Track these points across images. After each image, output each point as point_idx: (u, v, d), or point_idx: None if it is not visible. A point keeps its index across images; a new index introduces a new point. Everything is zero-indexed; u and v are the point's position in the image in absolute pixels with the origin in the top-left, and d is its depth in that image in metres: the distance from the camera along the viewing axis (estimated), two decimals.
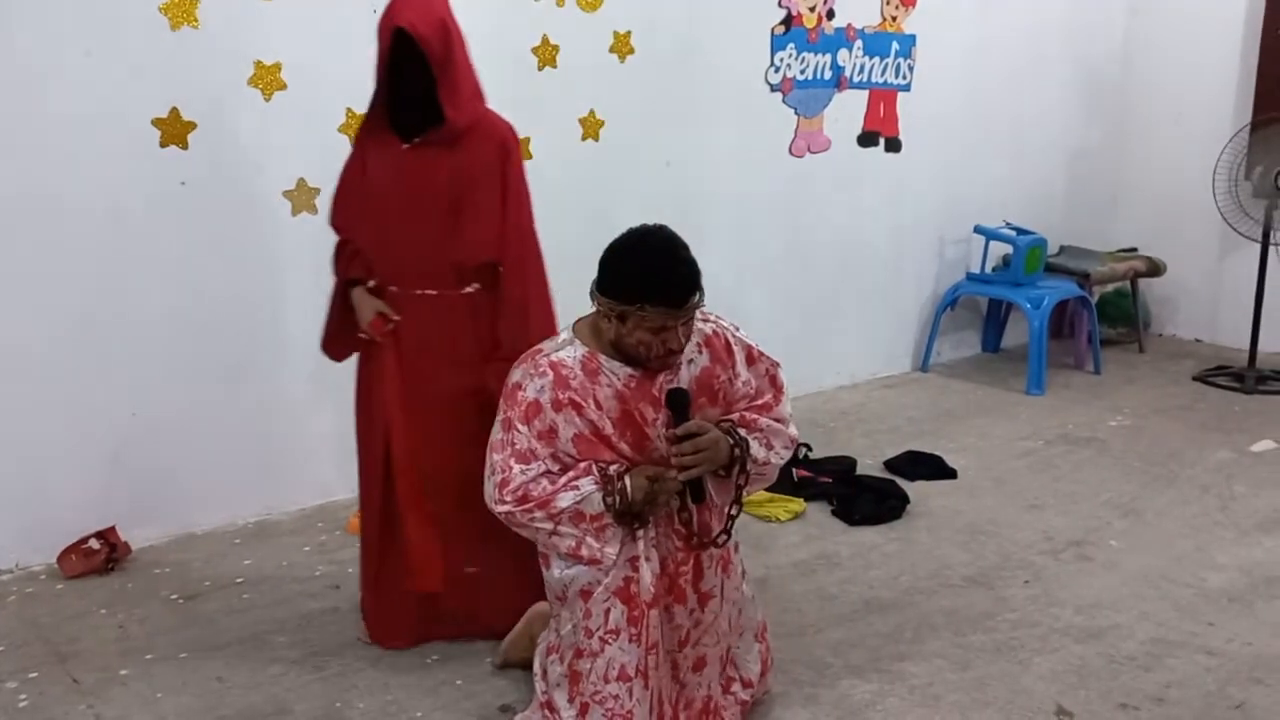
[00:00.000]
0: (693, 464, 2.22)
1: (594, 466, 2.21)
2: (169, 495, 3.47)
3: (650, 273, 2.14)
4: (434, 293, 2.67)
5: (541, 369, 2.24)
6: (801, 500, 3.81)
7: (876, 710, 2.59)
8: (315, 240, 3.59)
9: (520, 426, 2.20)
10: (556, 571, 2.29)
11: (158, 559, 3.35)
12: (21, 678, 2.67)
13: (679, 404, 2.22)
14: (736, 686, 2.48)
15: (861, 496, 3.82)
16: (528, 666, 2.58)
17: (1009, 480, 4.14)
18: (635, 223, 4.76)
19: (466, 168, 2.62)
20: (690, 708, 2.39)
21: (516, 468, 2.19)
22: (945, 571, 3.35)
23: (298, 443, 3.73)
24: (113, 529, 3.30)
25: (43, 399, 3.20)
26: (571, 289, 4.50)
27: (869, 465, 4.21)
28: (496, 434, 2.24)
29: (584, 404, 2.22)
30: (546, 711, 2.36)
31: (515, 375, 2.27)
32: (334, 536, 3.54)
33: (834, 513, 3.78)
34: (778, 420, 2.38)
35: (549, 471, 2.21)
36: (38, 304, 3.16)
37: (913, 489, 3.94)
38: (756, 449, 2.31)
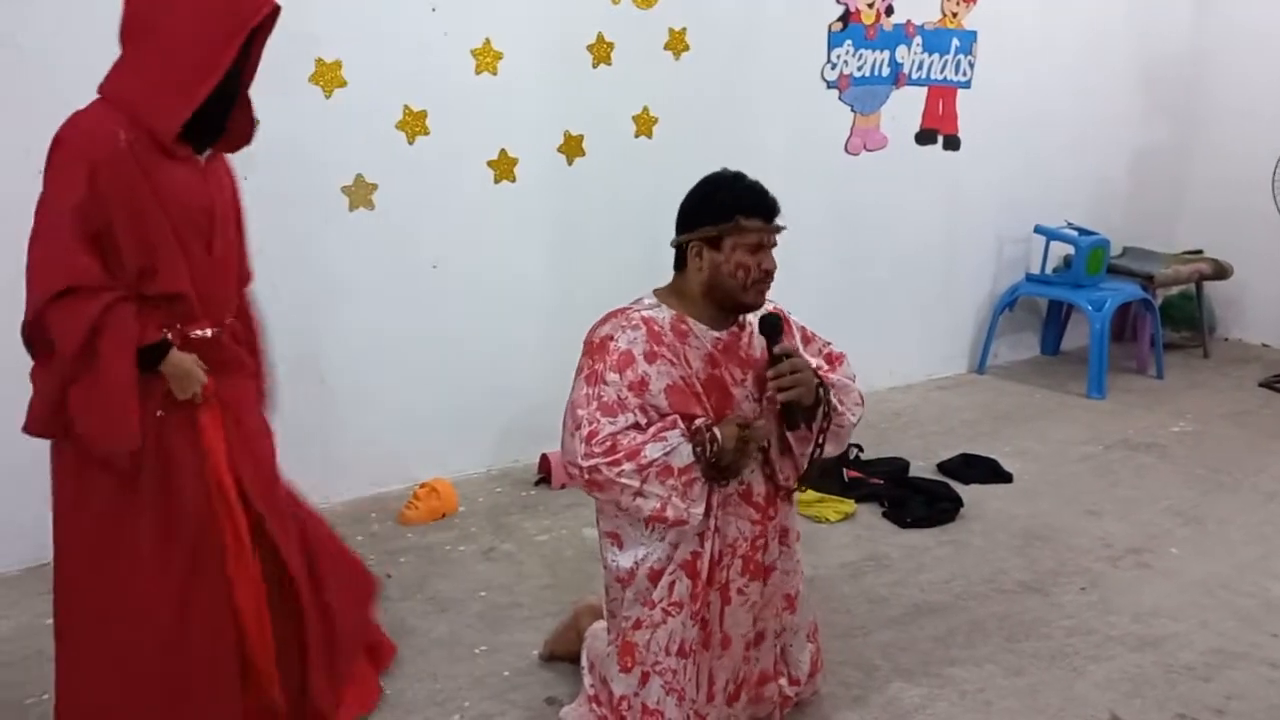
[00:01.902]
0: (791, 384, 2.21)
1: (679, 421, 2.19)
2: None
3: (741, 189, 2.25)
4: (230, 321, 2.30)
5: (634, 322, 2.23)
6: (852, 501, 3.78)
7: (926, 714, 2.56)
8: (373, 235, 3.67)
9: (611, 376, 2.18)
10: (628, 557, 2.28)
11: None
12: None
13: (773, 328, 2.26)
14: (784, 681, 2.47)
15: (914, 499, 3.78)
16: (574, 660, 2.59)
17: (1066, 485, 4.07)
18: None
19: (235, 182, 2.30)
20: (747, 683, 2.39)
21: (604, 419, 2.16)
22: (999, 576, 3.30)
23: (352, 434, 3.78)
24: None
25: None
26: (624, 286, 4.50)
27: (921, 467, 4.17)
28: (580, 389, 2.21)
29: (676, 360, 2.22)
30: (594, 705, 2.37)
31: (604, 329, 2.25)
32: (386, 526, 3.58)
33: (885, 514, 3.75)
34: (845, 377, 2.42)
35: (636, 424, 2.18)
36: None
37: (966, 492, 3.89)
38: (834, 401, 2.32)
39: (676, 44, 4.22)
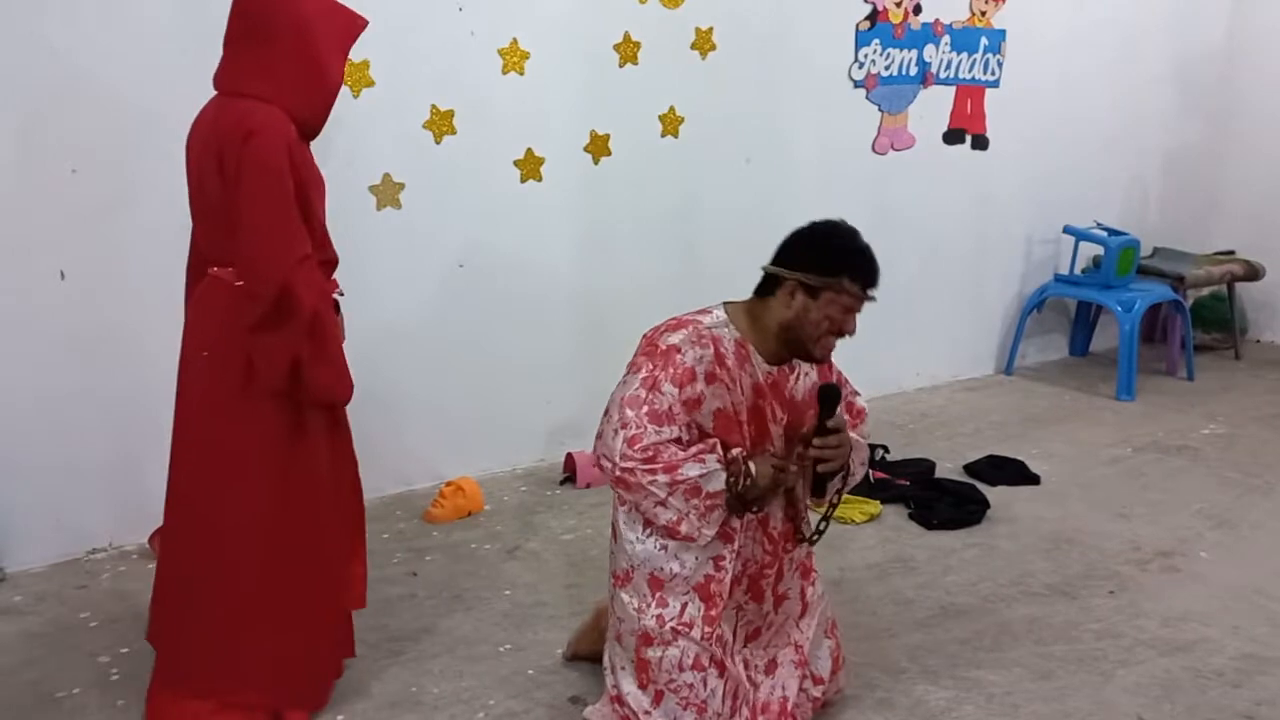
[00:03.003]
0: (832, 458, 2.26)
1: (718, 446, 2.22)
2: None
3: (856, 251, 2.27)
4: None
5: (704, 340, 2.25)
6: (878, 503, 3.76)
7: (952, 717, 2.54)
8: (400, 234, 3.69)
9: (669, 387, 2.19)
10: (629, 545, 2.29)
11: None
12: (114, 652, 2.77)
13: (832, 399, 2.28)
14: (808, 683, 2.46)
15: (940, 500, 3.76)
16: (596, 659, 2.59)
17: (1095, 488, 4.04)
18: (716, 220, 4.77)
19: None
20: (768, 711, 2.39)
21: (650, 427, 2.18)
22: (1027, 579, 3.27)
23: (378, 432, 3.79)
24: None
25: (139, 385, 3.31)
26: (650, 285, 4.50)
27: (949, 469, 4.14)
28: (632, 389, 2.21)
29: (732, 385, 2.25)
30: (616, 705, 2.37)
31: (673, 338, 2.25)
32: (412, 525, 3.60)
33: (911, 516, 3.72)
34: (862, 435, 2.47)
35: (678, 439, 2.21)
36: (135, 291, 3.27)
37: (994, 494, 3.86)
38: (853, 464, 2.39)
39: (703, 43, 4.22)
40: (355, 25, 2.42)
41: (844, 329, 2.27)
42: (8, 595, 3.06)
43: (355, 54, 3.46)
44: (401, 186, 3.65)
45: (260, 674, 2.40)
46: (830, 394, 2.27)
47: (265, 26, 2.28)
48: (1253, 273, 5.81)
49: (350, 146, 3.53)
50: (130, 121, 3.18)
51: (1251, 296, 6.16)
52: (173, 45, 3.19)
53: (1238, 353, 5.95)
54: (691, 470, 2.16)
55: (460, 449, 3.95)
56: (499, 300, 3.94)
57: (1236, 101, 6.18)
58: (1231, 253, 5.96)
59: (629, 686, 2.32)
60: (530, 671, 2.71)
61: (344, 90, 3.46)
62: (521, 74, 3.79)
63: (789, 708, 2.40)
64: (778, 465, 2.26)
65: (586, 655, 2.70)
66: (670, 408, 2.19)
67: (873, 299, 2.30)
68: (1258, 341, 6.27)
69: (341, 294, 2.55)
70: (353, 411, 3.74)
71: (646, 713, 2.29)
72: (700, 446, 2.20)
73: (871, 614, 3.03)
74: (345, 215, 3.56)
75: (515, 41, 3.77)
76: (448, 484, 3.72)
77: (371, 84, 3.52)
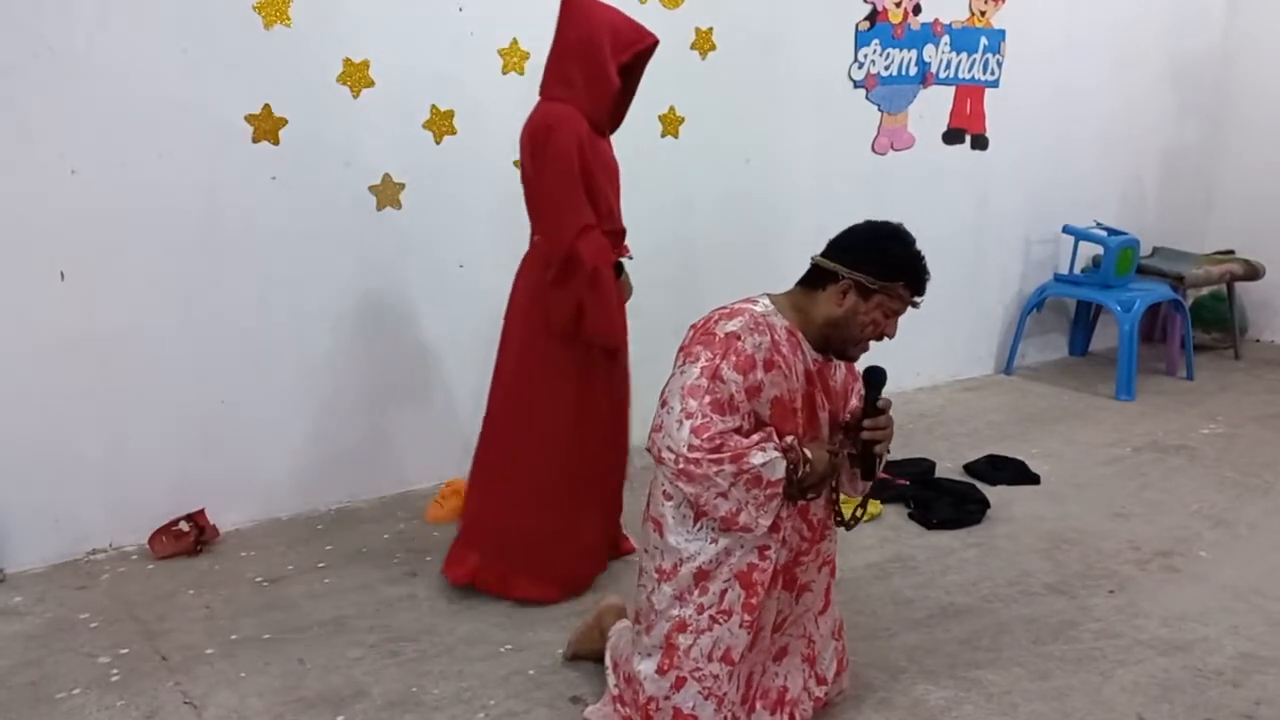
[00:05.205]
0: (883, 438, 2.31)
1: (774, 434, 2.23)
2: (255, 481, 3.57)
3: (916, 260, 2.30)
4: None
5: (760, 327, 2.25)
6: (878, 502, 3.76)
7: (951, 717, 2.55)
8: (399, 234, 3.69)
9: (732, 375, 2.18)
10: (677, 541, 2.27)
11: (243, 542, 3.44)
12: (113, 653, 2.77)
13: (879, 382, 2.31)
14: (811, 683, 2.47)
15: (940, 500, 3.76)
16: (597, 659, 2.59)
17: (1094, 487, 4.04)
18: (715, 220, 4.76)
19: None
20: (766, 696, 2.39)
21: (715, 416, 2.17)
22: (1026, 579, 3.28)
23: (379, 432, 3.80)
24: (201, 512, 3.41)
25: (139, 385, 3.32)
26: (649, 284, 4.51)
27: (948, 469, 4.14)
28: (693, 379, 2.20)
29: (789, 373, 2.26)
30: (618, 705, 2.37)
31: (730, 325, 2.24)
32: (412, 525, 3.60)
33: (911, 515, 3.73)
34: None
35: (739, 428, 2.20)
36: (135, 292, 3.27)
37: (993, 494, 3.87)
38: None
39: (703, 44, 4.22)
40: (641, 40, 2.90)
41: (886, 332, 2.30)
42: (7, 596, 3.06)
43: (355, 54, 3.48)
44: (402, 186, 3.66)
45: (540, 555, 2.99)
46: (877, 376, 2.30)
47: (563, 40, 2.87)
48: (1252, 272, 5.81)
49: (350, 147, 3.53)
50: (130, 121, 3.18)
51: (1251, 296, 6.17)
52: (173, 45, 3.20)
53: (1237, 352, 5.96)
54: (757, 459, 2.15)
55: (460, 449, 3.94)
56: (498, 301, 3.93)
57: (1233, 101, 6.19)
58: (1231, 252, 5.97)
59: (648, 670, 2.30)
60: (530, 672, 2.71)
61: (344, 90, 3.49)
62: (521, 74, 3.79)
63: (787, 698, 2.40)
64: (831, 450, 2.28)
65: (587, 655, 2.70)
66: (733, 396, 2.18)
67: (917, 306, 2.33)
68: (1257, 341, 6.28)
69: (630, 257, 3.07)
70: (353, 412, 3.78)
71: (666, 697, 2.27)
72: (759, 435, 2.20)
73: (871, 614, 3.04)
74: (344, 215, 3.59)
75: (515, 41, 3.77)
76: (448, 484, 3.72)
77: (371, 84, 3.52)
